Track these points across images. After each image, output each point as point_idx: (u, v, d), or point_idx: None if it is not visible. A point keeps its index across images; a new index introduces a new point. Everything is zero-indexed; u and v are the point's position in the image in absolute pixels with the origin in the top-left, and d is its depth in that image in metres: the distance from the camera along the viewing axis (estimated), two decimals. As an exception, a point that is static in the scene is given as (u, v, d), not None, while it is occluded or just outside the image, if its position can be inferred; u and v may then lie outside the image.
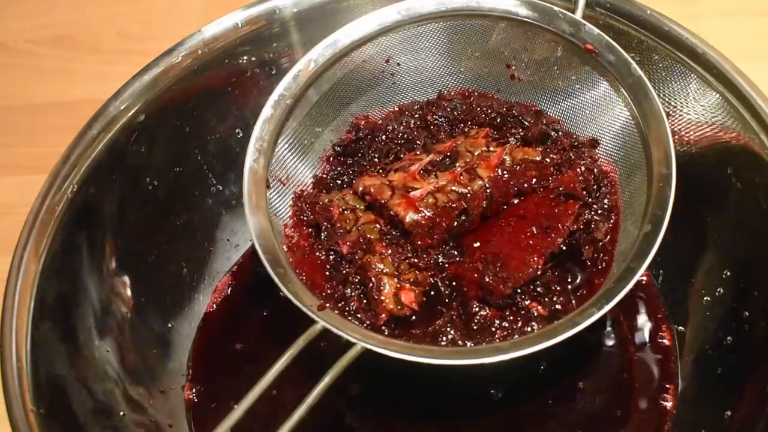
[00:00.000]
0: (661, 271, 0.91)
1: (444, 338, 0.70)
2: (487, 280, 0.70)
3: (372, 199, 0.75)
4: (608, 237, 0.74)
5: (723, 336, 0.81)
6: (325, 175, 0.82)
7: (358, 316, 0.71)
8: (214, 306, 0.94)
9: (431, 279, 0.73)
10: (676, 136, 0.80)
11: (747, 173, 0.79)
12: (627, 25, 0.83)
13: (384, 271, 0.72)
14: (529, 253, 0.72)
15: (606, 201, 0.76)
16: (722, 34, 0.90)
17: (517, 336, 0.70)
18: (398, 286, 0.71)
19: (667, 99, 0.83)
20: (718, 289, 0.83)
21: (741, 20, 1.09)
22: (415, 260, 0.73)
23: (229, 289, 0.95)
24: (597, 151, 0.79)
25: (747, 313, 0.79)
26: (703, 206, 0.83)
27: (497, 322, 0.71)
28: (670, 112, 0.83)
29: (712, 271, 0.84)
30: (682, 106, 0.83)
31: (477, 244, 0.74)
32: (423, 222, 0.72)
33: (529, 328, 0.70)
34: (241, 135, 0.94)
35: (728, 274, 0.82)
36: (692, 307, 0.87)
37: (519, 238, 0.73)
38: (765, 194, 0.77)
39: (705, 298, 0.84)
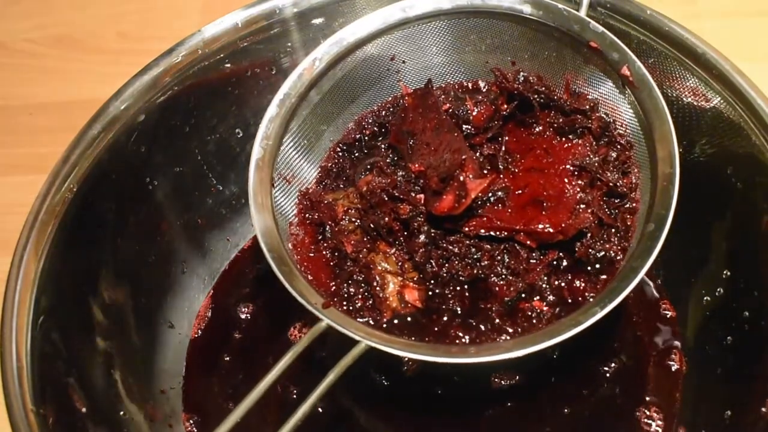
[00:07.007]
0: (661, 271, 0.91)
1: (448, 336, 0.70)
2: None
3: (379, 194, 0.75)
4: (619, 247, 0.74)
5: (723, 336, 0.81)
6: (329, 174, 0.82)
7: (363, 314, 0.71)
8: (213, 305, 0.94)
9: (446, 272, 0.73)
10: (676, 137, 0.80)
11: (747, 173, 0.79)
12: (627, 25, 0.83)
13: (388, 270, 0.72)
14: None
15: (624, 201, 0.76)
16: (722, 34, 0.90)
17: (520, 331, 0.70)
18: (402, 284, 0.72)
19: (666, 99, 0.83)
20: (718, 289, 0.83)
21: (741, 20, 1.10)
22: (418, 260, 0.73)
23: (228, 288, 0.96)
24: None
25: (747, 313, 0.79)
26: (702, 206, 0.83)
27: (501, 319, 0.71)
28: (670, 113, 0.83)
29: (712, 271, 0.84)
30: (681, 106, 0.83)
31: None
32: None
33: (534, 326, 0.70)
34: (241, 135, 0.94)
35: (728, 274, 0.82)
36: (692, 307, 0.87)
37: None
38: (765, 194, 0.77)
39: (705, 298, 0.85)
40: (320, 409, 0.83)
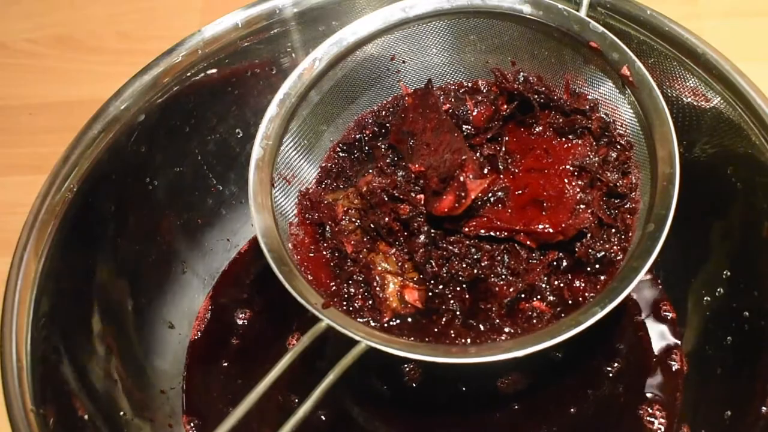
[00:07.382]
0: (661, 271, 0.91)
1: (448, 336, 0.70)
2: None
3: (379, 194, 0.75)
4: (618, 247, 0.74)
5: (723, 336, 0.81)
6: (329, 174, 0.82)
7: (363, 314, 0.71)
8: (213, 306, 0.94)
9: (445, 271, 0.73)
10: (676, 137, 0.80)
11: (747, 173, 0.79)
12: (627, 25, 0.83)
13: (388, 270, 0.72)
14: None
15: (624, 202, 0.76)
16: (722, 34, 0.91)
17: (521, 332, 0.70)
18: (402, 284, 0.72)
19: (666, 99, 0.83)
20: (718, 289, 0.83)
21: (741, 20, 1.10)
22: (419, 260, 0.73)
23: (228, 288, 0.95)
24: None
25: (747, 313, 0.79)
26: (702, 206, 0.83)
27: (501, 319, 0.71)
28: (670, 113, 0.83)
29: (712, 271, 0.84)
30: (681, 106, 0.83)
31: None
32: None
33: (534, 326, 0.70)
34: (241, 135, 0.94)
35: (728, 274, 0.82)
36: (692, 307, 0.87)
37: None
38: (765, 194, 0.77)
39: (705, 298, 0.85)
40: (323, 417, 0.84)
